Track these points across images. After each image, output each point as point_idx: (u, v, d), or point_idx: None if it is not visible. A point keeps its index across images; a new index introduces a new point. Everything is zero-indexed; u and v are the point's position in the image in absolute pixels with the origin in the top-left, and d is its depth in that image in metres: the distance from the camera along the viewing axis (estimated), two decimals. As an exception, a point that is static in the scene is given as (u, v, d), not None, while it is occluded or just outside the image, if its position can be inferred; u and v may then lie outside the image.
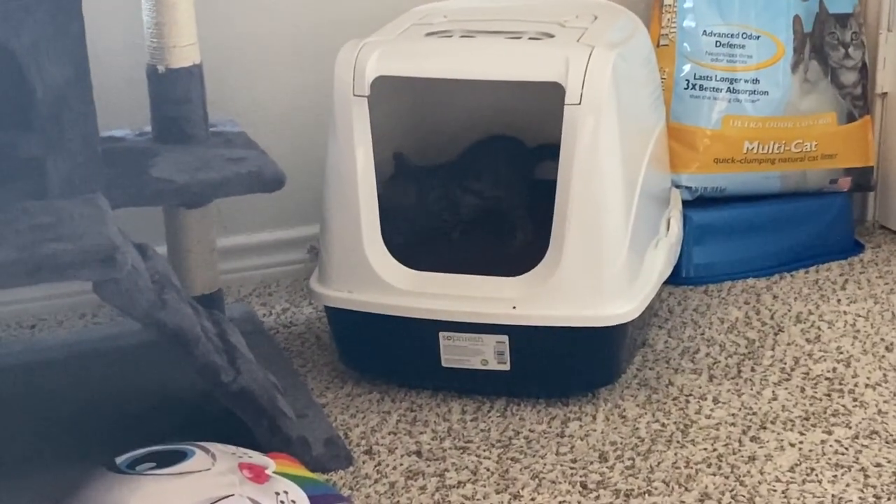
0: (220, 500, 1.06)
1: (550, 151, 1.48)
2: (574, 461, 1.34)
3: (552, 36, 1.47)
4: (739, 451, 1.36)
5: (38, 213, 1.25)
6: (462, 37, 1.48)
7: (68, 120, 1.27)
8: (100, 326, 1.66)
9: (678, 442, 1.38)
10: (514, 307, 1.40)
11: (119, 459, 1.11)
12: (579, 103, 1.35)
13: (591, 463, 1.34)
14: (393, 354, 1.47)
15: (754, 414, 1.42)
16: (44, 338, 1.63)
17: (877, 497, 1.27)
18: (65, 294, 1.68)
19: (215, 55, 1.61)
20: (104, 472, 1.10)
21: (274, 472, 1.12)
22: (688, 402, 1.46)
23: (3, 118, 1.34)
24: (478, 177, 1.61)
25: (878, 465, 1.33)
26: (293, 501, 1.09)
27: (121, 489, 1.07)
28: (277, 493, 1.09)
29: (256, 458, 1.14)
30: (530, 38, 1.46)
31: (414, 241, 1.54)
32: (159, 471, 1.08)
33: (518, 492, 1.29)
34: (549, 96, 1.40)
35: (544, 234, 1.40)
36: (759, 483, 1.29)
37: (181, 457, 1.10)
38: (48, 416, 1.40)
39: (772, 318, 1.64)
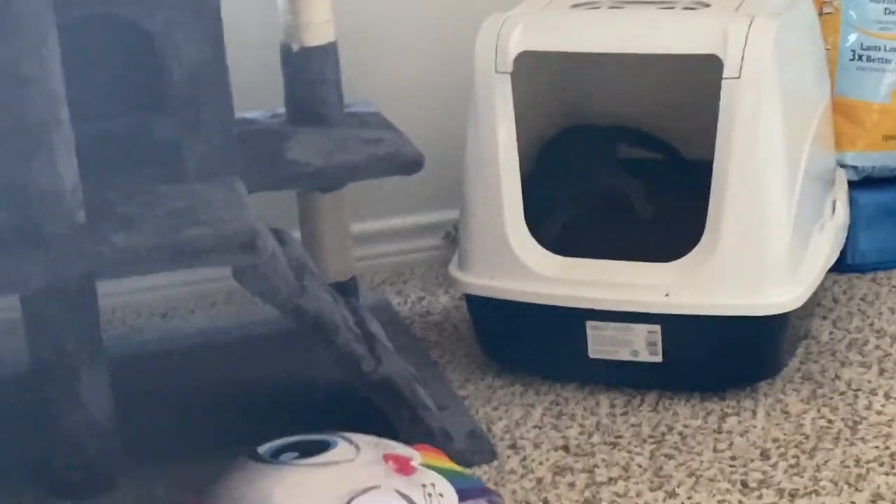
0: (365, 491, 1.10)
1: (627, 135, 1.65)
2: (733, 458, 1.35)
3: (707, 5, 1.48)
4: (916, 449, 1.38)
5: (176, 197, 1.27)
6: (610, 7, 1.50)
7: (205, 102, 1.29)
8: (233, 314, 1.70)
9: (847, 439, 1.37)
10: (667, 294, 1.40)
11: (262, 449, 1.15)
12: (738, 77, 1.36)
13: (752, 461, 1.34)
14: (537, 345, 1.48)
15: (931, 411, 1.45)
16: (177, 325, 1.68)
17: None
18: (195, 282, 1.72)
19: (349, 32, 1.63)
20: (247, 461, 1.14)
21: (420, 464, 1.16)
22: (856, 397, 1.44)
23: (137, 101, 1.38)
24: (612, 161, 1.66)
25: None
26: (440, 494, 1.13)
27: (265, 479, 1.11)
28: (424, 486, 1.12)
29: (401, 449, 1.18)
30: (684, 8, 1.47)
31: (558, 227, 1.56)
32: (303, 461, 1.12)
33: (674, 490, 1.30)
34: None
35: (673, 215, 1.44)
36: (939, 484, 1.33)
37: (324, 447, 1.14)
38: (184, 405, 1.44)
39: (949, 307, 1.66)
